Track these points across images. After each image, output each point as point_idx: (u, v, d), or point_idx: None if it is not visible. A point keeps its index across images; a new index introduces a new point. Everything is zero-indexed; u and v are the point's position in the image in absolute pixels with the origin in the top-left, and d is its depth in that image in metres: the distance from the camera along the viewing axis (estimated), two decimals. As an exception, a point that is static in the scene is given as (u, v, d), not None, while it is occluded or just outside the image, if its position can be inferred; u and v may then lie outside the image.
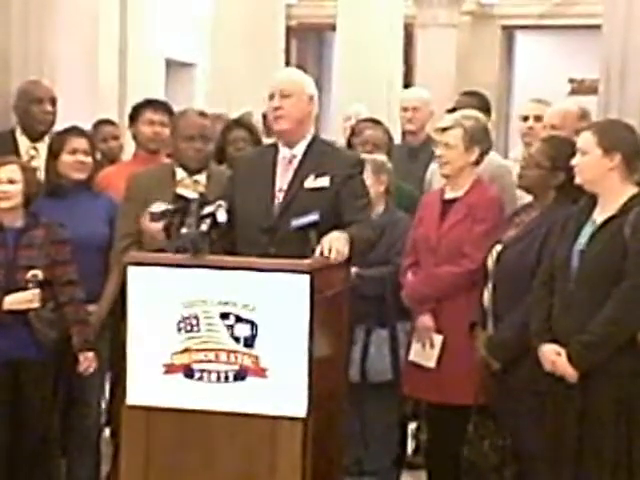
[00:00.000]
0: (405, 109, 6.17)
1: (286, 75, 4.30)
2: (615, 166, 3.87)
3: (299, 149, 4.11)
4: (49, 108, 5.29)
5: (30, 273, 4.32)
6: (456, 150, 4.62)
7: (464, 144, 4.62)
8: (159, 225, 3.92)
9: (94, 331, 4.55)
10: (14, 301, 4.31)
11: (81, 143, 4.71)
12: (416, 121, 6.13)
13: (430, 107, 6.21)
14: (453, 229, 4.60)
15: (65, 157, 4.70)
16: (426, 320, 4.62)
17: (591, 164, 3.89)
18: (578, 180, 3.95)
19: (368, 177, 4.75)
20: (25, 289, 4.31)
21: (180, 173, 4.55)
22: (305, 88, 4.13)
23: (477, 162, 4.69)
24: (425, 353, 4.62)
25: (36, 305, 4.32)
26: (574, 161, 3.96)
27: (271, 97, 4.09)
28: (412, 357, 4.69)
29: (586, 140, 3.92)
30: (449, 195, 4.70)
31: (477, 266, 4.43)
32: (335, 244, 3.72)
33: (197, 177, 4.54)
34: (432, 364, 4.59)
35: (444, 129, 4.68)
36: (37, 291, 4.32)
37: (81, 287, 4.46)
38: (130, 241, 4.51)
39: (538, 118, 5.52)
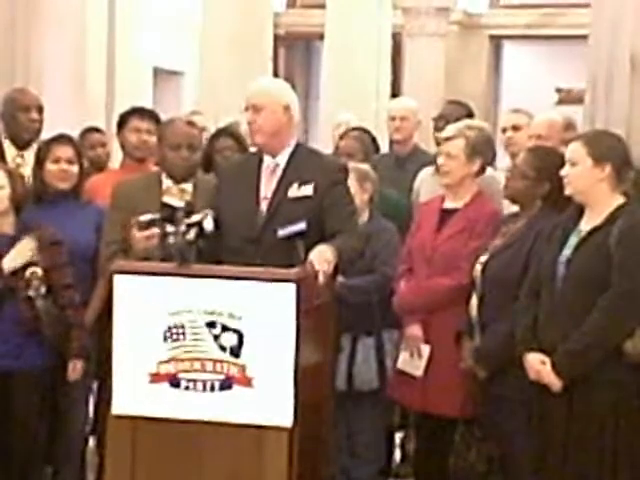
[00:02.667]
0: (393, 118, 6.18)
1: (257, 88, 4.18)
2: (605, 176, 3.88)
3: (282, 158, 4.10)
4: (35, 116, 5.28)
5: (29, 270, 4.30)
6: (457, 160, 4.61)
7: (465, 155, 4.60)
8: (146, 233, 3.92)
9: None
10: (12, 257, 4.28)
11: (65, 152, 4.69)
12: (404, 130, 6.14)
13: (418, 117, 6.22)
14: (449, 241, 4.58)
15: (49, 166, 4.68)
16: (415, 330, 4.62)
17: (582, 175, 3.89)
18: (568, 191, 3.94)
19: (352, 185, 4.75)
20: (29, 298, 4.30)
21: (166, 182, 4.54)
22: (279, 99, 4.07)
23: (479, 173, 4.68)
24: (413, 362, 4.62)
25: (34, 255, 4.29)
26: (563, 172, 3.95)
27: (246, 110, 4.08)
28: (400, 365, 4.70)
29: (576, 151, 3.92)
30: (448, 205, 4.68)
31: (470, 280, 4.42)
32: (322, 256, 3.71)
33: (184, 186, 4.53)
34: (419, 373, 4.60)
35: (447, 139, 4.67)
36: (25, 241, 4.31)
37: (77, 291, 4.47)
38: (115, 249, 4.49)
39: (516, 128, 5.55)
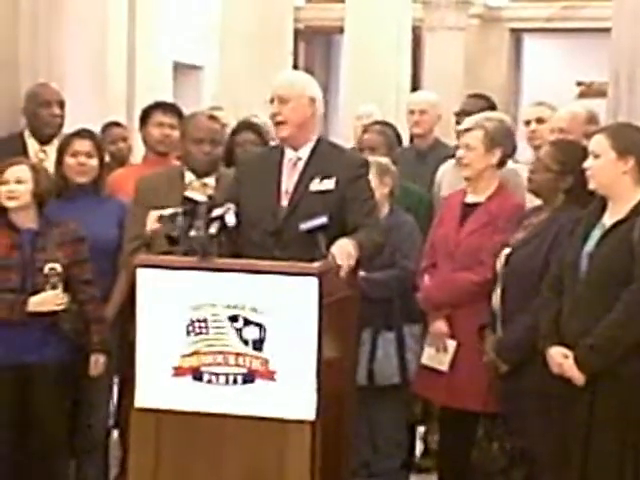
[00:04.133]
0: (412, 112, 6.17)
1: (284, 79, 4.18)
2: (629, 170, 3.86)
3: (304, 151, 4.09)
4: (57, 111, 5.30)
5: (48, 266, 4.30)
6: (476, 152, 4.59)
7: (484, 146, 4.58)
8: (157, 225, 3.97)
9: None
10: (40, 301, 4.30)
11: (83, 145, 4.70)
12: (424, 124, 6.13)
13: (438, 110, 6.20)
14: (472, 235, 4.57)
15: (67, 160, 4.71)
16: (440, 325, 4.62)
17: (605, 167, 3.87)
18: (591, 185, 3.92)
19: (372, 179, 4.75)
20: (44, 290, 4.31)
21: (189, 176, 4.55)
22: (305, 91, 4.07)
23: (500, 164, 4.66)
24: (438, 358, 4.61)
25: (62, 307, 4.33)
26: (586, 164, 3.94)
27: (271, 102, 4.07)
28: (425, 361, 4.69)
29: (599, 143, 3.90)
30: (470, 199, 4.67)
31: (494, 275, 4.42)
32: (344, 251, 3.71)
33: (206, 180, 4.54)
34: (445, 368, 4.59)
35: (465, 130, 4.65)
36: (59, 291, 4.31)
37: (97, 286, 4.49)
38: (139, 243, 4.51)
39: (540, 120, 5.53)
